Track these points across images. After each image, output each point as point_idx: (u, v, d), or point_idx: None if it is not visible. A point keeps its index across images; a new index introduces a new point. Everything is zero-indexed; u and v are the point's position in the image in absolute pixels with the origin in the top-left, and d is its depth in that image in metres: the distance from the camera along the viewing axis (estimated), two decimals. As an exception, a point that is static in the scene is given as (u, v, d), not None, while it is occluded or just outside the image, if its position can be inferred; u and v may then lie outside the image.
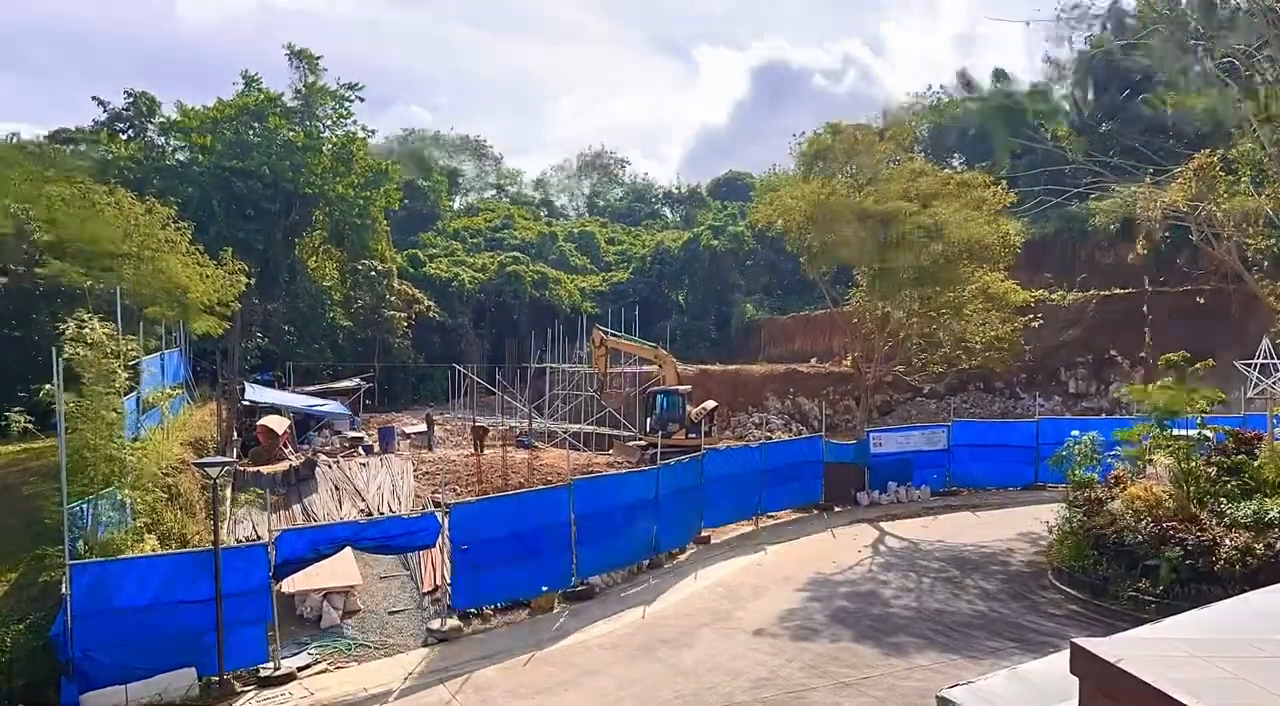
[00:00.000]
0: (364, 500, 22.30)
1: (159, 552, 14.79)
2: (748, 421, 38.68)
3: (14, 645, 12.12)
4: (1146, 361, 33.10)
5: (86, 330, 14.64)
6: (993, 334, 27.18)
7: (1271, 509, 15.41)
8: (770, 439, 32.53)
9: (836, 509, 25.36)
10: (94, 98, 50.21)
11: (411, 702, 12.56)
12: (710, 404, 30.54)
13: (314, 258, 49.14)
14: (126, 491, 14.59)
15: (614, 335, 35.59)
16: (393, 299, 51.16)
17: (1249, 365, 23.02)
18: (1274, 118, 21.62)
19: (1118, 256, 42.98)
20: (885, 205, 26.72)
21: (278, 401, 28.50)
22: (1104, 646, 3.45)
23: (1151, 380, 19.13)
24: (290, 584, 14.97)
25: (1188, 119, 36.69)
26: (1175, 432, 16.96)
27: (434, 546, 15.62)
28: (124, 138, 46.38)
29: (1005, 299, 27.66)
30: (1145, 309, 37.79)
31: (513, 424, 36.08)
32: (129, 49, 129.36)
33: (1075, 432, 19.97)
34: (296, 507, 21.55)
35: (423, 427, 33.63)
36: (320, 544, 13.97)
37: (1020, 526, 21.85)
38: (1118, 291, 40.13)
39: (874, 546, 21.36)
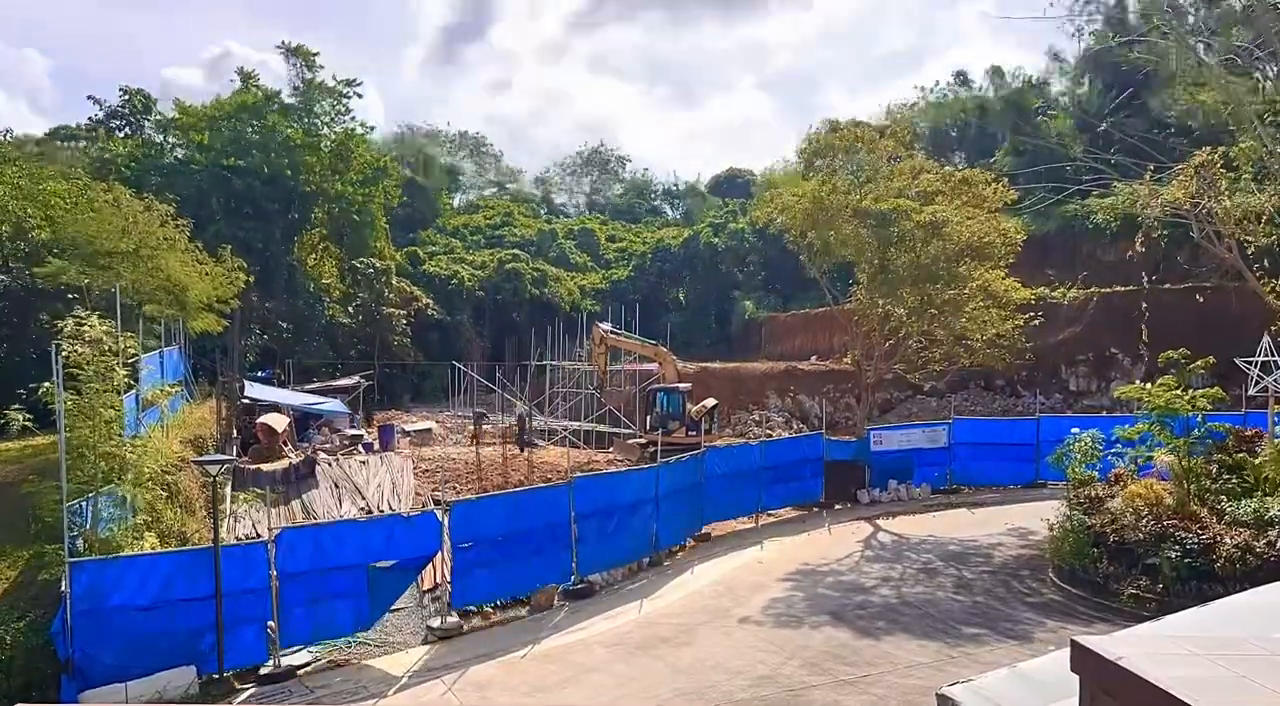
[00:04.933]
0: (364, 498, 22.30)
1: (159, 550, 14.79)
2: (748, 419, 38.63)
3: (13, 643, 12.11)
4: (1147, 359, 33.08)
5: (85, 328, 14.60)
6: (993, 332, 27.15)
7: (1272, 507, 15.39)
8: (770, 437, 32.54)
9: (837, 507, 25.35)
10: (89, 97, 50.23)
11: (411, 699, 12.56)
12: (710, 402, 30.49)
13: (313, 255, 49.08)
14: (125, 489, 14.56)
15: (614, 332, 35.54)
16: (392, 297, 51.14)
17: (1249, 363, 22.95)
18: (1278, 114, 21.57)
19: (1119, 254, 42.91)
20: (886, 203, 26.69)
21: (277, 399, 28.47)
22: (1105, 644, 3.43)
23: (1152, 378, 19.09)
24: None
25: (1189, 116, 36.60)
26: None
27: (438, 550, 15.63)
28: (121, 136, 46.36)
29: (1006, 297, 27.61)
30: (1144, 306, 37.76)
31: (513, 421, 36.04)
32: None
33: (1075, 430, 19.95)
34: (296, 505, 21.55)
35: (423, 425, 33.62)
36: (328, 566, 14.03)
37: (1025, 523, 21.84)
38: (1119, 289, 40.06)
39: (874, 544, 21.36)
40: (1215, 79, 23.22)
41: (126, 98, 47.23)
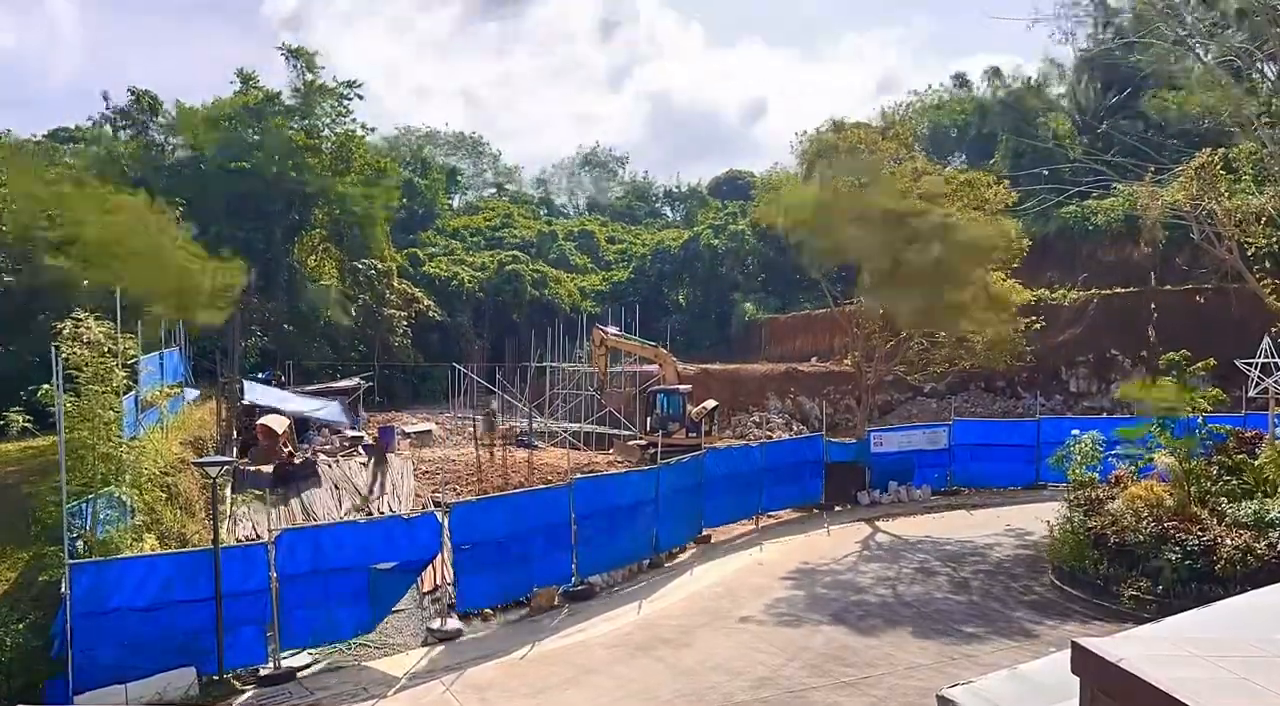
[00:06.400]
0: (364, 499, 22.27)
1: (158, 552, 14.78)
2: (748, 421, 38.61)
3: (14, 645, 12.12)
4: (1148, 360, 33.07)
5: (84, 329, 14.62)
6: (994, 333, 27.13)
7: (1272, 508, 15.40)
8: (771, 438, 32.53)
9: (837, 508, 25.33)
10: (102, 93, 50.24)
11: (410, 701, 12.56)
12: (710, 403, 30.48)
13: (313, 256, 49.09)
14: (125, 490, 14.56)
15: (615, 334, 35.53)
16: (392, 298, 51.11)
17: (1250, 364, 22.95)
18: (1276, 116, 21.61)
19: (1119, 255, 42.96)
20: (887, 204, 26.64)
21: (276, 402, 28.46)
22: (1106, 646, 3.43)
23: (1153, 380, 19.11)
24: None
25: (1189, 118, 36.64)
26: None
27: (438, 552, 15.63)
28: (125, 136, 46.37)
29: (1007, 298, 27.60)
30: (1153, 307, 37.78)
31: (513, 423, 36.04)
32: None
33: (1076, 432, 19.94)
34: (296, 507, 21.53)
35: (423, 427, 33.62)
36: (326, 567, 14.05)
37: (1025, 525, 21.83)
38: (1119, 290, 40.09)
39: (874, 545, 21.35)
40: (1213, 80, 23.27)
41: (135, 98, 47.21)
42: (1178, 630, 4.37)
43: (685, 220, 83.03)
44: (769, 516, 23.81)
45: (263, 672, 13.28)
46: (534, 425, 34.27)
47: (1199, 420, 17.41)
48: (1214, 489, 16.83)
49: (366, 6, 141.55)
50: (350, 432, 30.32)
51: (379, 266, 50.73)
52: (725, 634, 14.99)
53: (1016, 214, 32.02)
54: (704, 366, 42.23)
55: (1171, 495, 16.79)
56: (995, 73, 59.94)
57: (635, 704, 12.20)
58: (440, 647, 14.66)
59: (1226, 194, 23.65)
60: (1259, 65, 24.90)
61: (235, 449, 24.88)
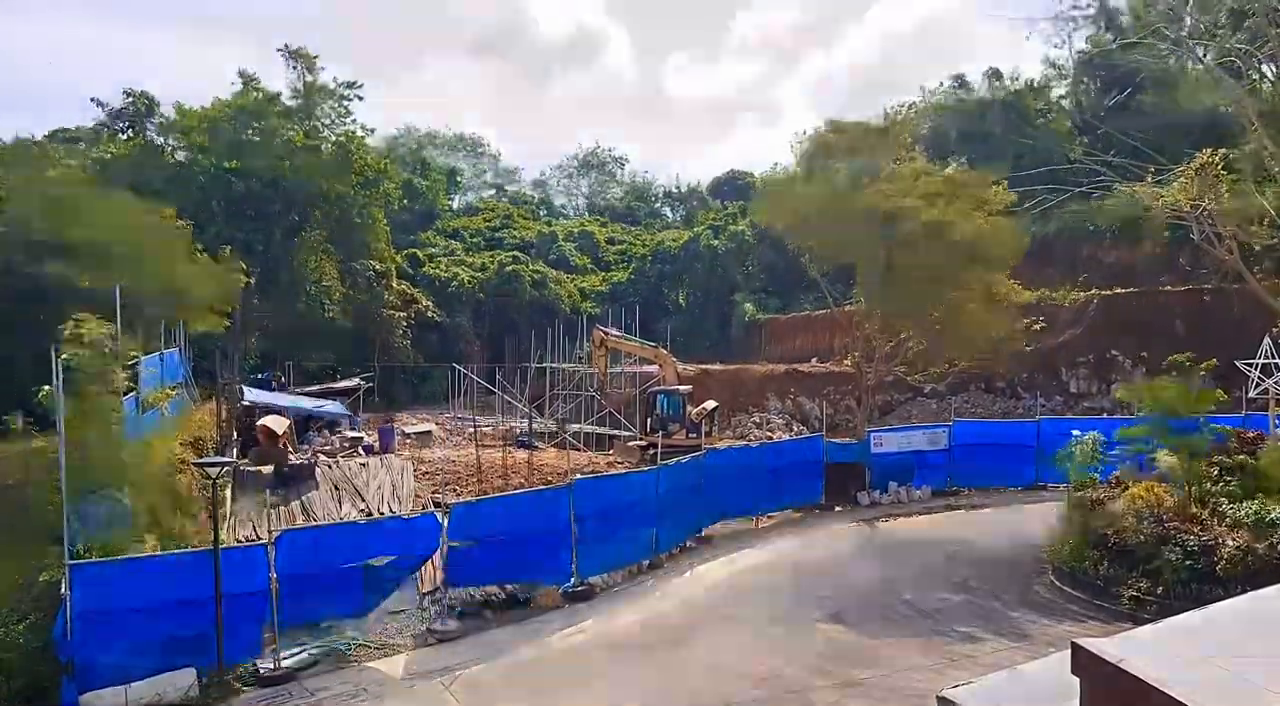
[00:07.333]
0: (364, 500, 22.28)
1: (159, 553, 14.77)
2: (748, 421, 38.59)
3: (14, 645, 12.12)
4: (1149, 361, 33.07)
5: (84, 330, 14.62)
6: (994, 334, 27.13)
7: (1273, 509, 15.40)
8: (771, 439, 32.53)
9: (837, 509, 25.32)
10: (92, 99, 50.02)
11: (410, 701, 12.56)
12: (710, 404, 30.49)
13: (313, 257, 49.06)
14: (125, 491, 14.56)
15: (615, 334, 35.53)
16: (391, 299, 51.11)
17: (1250, 365, 22.95)
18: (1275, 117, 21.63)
19: (1120, 256, 43.00)
20: (887, 204, 26.67)
21: (276, 402, 28.46)
22: (1105, 646, 3.43)
23: (1153, 380, 19.14)
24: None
25: (1189, 118, 36.66)
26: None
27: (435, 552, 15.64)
28: (123, 138, 46.32)
29: (1007, 299, 27.61)
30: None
31: (513, 424, 36.07)
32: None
33: (1076, 432, 19.95)
34: (296, 507, 21.53)
35: (423, 428, 33.66)
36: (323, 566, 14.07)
37: (1025, 525, 21.81)
38: (1120, 291, 40.10)
39: (873, 546, 21.36)
40: (1214, 81, 23.30)
41: (130, 99, 47.13)
42: (1178, 631, 4.37)
43: (685, 221, 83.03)
44: (769, 517, 23.81)
45: (263, 673, 13.28)
46: (533, 425, 34.29)
47: (1199, 420, 17.41)
48: (1214, 489, 16.84)
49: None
50: (350, 433, 30.35)
51: (378, 267, 50.74)
52: (725, 634, 15.00)
53: (1017, 214, 32.03)
54: (704, 367, 42.23)
55: (1172, 495, 16.80)
56: (994, 74, 59.91)
57: (635, 704, 12.20)
58: (440, 647, 14.65)
59: (1227, 194, 23.66)
60: (1257, 65, 24.92)
61: (235, 449, 24.89)
